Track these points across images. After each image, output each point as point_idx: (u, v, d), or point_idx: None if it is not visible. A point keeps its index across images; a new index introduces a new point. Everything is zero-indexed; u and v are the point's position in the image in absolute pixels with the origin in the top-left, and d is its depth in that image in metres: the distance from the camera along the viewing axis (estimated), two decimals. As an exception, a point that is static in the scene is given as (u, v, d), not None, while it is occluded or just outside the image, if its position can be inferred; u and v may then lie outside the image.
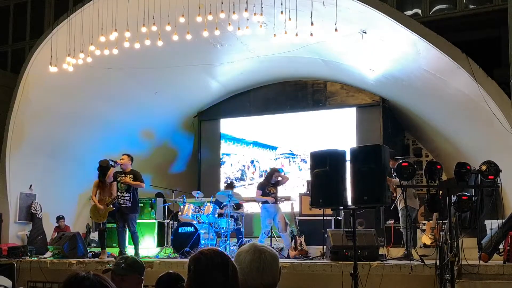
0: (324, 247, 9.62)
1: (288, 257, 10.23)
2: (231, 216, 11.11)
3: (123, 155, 10.47)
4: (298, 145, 14.52)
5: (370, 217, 11.57)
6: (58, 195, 13.19)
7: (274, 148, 14.91)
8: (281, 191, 11.40)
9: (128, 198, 10.26)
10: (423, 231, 10.30)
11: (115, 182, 10.34)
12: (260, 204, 11.00)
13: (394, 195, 9.52)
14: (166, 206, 13.14)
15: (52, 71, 10.49)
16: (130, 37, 9.94)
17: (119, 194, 10.26)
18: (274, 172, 11.04)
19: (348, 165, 7.04)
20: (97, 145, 13.33)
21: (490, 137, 10.79)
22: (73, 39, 10.28)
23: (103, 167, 10.30)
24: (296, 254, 10.19)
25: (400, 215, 9.67)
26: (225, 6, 9.17)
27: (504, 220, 8.56)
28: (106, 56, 10.44)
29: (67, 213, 12.89)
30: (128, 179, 10.19)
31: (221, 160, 15.44)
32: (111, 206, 10.26)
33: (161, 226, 12.82)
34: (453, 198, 7.12)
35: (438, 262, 6.86)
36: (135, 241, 10.39)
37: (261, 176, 14.89)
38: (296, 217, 11.41)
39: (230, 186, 12.36)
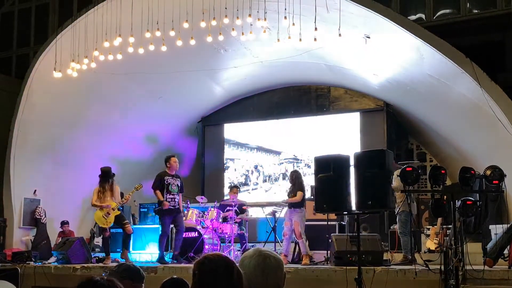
0: (328, 252, 9.59)
1: (298, 262, 10.06)
2: (235, 221, 11.08)
3: (172, 157, 10.48)
4: (302, 150, 14.51)
5: (374, 222, 11.52)
6: (62, 200, 13.19)
7: (278, 153, 14.91)
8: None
9: (178, 200, 10.34)
10: (428, 236, 10.26)
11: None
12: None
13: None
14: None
15: (56, 77, 10.51)
16: (134, 43, 9.95)
17: (171, 196, 10.23)
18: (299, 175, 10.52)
19: (352, 170, 7.05)
20: (101, 150, 13.33)
21: (494, 142, 10.76)
22: (77, 45, 10.31)
23: (105, 174, 10.33)
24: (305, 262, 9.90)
25: (398, 219, 9.62)
26: (229, 11, 9.18)
27: (508, 225, 8.54)
28: (110, 62, 10.46)
29: (71, 218, 12.88)
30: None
31: (225, 165, 15.45)
32: (118, 210, 10.29)
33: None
34: (458, 203, 7.10)
35: (442, 267, 6.85)
36: (179, 242, 10.30)
37: (265, 181, 14.89)
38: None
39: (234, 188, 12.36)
